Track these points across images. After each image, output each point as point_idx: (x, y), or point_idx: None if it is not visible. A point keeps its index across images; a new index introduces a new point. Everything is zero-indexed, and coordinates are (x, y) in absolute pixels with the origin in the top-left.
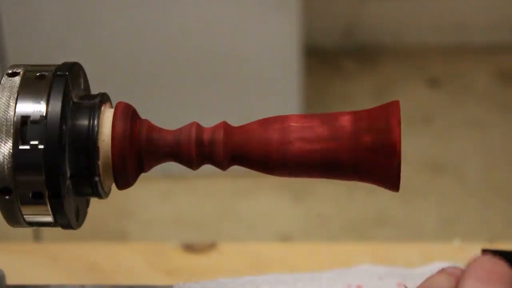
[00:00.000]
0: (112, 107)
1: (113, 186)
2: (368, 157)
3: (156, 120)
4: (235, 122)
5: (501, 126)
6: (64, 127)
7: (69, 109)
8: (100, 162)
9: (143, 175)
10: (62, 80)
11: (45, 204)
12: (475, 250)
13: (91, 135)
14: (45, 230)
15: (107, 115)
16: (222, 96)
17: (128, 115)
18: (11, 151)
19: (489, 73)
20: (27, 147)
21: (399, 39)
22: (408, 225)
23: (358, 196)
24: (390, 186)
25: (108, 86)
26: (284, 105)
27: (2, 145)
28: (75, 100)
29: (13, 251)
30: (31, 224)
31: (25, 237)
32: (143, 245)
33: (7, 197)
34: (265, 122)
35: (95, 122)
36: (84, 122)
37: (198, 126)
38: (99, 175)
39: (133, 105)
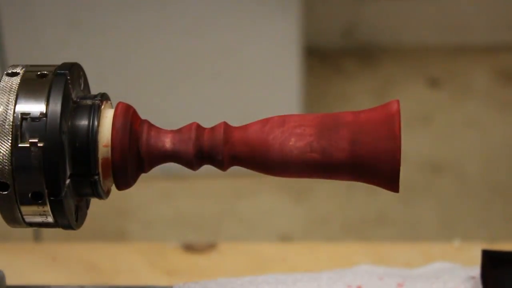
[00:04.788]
0: (112, 107)
1: (113, 186)
2: (368, 161)
3: (156, 120)
4: (235, 122)
5: (501, 126)
6: (64, 125)
7: (69, 109)
8: (100, 163)
9: (143, 175)
10: (62, 79)
11: (45, 204)
12: (475, 250)
13: (91, 135)
14: (45, 230)
15: (107, 115)
16: (222, 96)
17: (128, 116)
18: (10, 149)
19: (489, 73)
20: (27, 145)
21: (399, 39)
22: (408, 225)
23: (358, 196)
24: (390, 188)
25: (108, 86)
26: (284, 105)
27: (1, 143)
28: (75, 99)
29: (13, 251)
30: (31, 224)
31: (25, 237)
32: (143, 245)
33: (4, 192)
34: (265, 123)
35: (95, 122)
36: (84, 122)
37: (198, 127)
38: (98, 176)
39: (133, 105)
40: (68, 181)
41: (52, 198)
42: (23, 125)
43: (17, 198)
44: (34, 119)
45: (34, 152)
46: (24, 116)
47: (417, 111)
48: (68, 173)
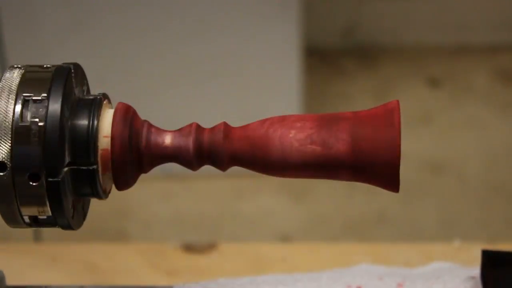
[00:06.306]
0: (111, 108)
1: (113, 186)
2: (368, 162)
3: (156, 120)
4: (235, 122)
5: (501, 126)
6: (65, 111)
7: (70, 98)
8: (99, 163)
9: (143, 175)
10: (62, 80)
11: (44, 204)
12: (475, 250)
13: (91, 136)
14: (45, 230)
15: (107, 116)
16: (222, 96)
17: (127, 116)
18: (10, 127)
19: (489, 73)
20: (27, 123)
21: (399, 39)
22: (408, 225)
23: (358, 196)
24: (389, 188)
25: (108, 86)
26: (284, 105)
27: (2, 122)
28: (74, 100)
29: (13, 252)
30: (31, 224)
31: (25, 238)
32: (143, 245)
33: (2, 173)
34: (265, 124)
35: (95, 122)
36: (84, 122)
37: (198, 127)
38: (98, 176)
39: (133, 105)
40: (68, 182)
41: (52, 198)
42: (23, 125)
43: (17, 199)
44: (36, 100)
45: (34, 131)
46: (26, 98)
47: (417, 111)
48: (68, 173)
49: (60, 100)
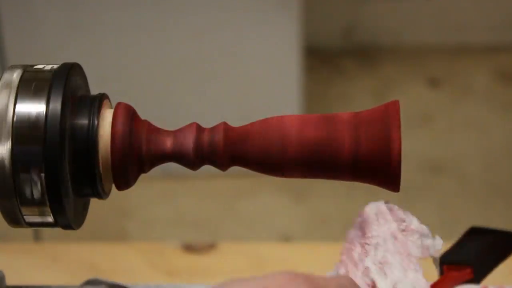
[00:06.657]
0: (111, 108)
1: (113, 185)
2: (368, 162)
3: (156, 120)
4: (235, 122)
5: (501, 126)
6: (64, 126)
7: (69, 109)
8: (100, 163)
9: (143, 175)
10: (62, 78)
11: (45, 204)
12: None
13: (91, 136)
14: (45, 230)
15: (107, 115)
16: (222, 96)
17: (128, 116)
18: (10, 149)
19: (489, 73)
20: (26, 145)
21: (399, 39)
22: None
23: (358, 196)
24: (390, 188)
25: (108, 86)
26: (284, 105)
27: (1, 144)
28: (75, 99)
29: (13, 251)
30: (31, 224)
31: (25, 237)
32: (143, 245)
33: (5, 193)
34: (265, 123)
35: (95, 122)
36: (84, 122)
37: (198, 127)
38: (99, 176)
39: (133, 105)
40: (68, 182)
41: (52, 198)
42: (23, 125)
43: (18, 198)
44: (34, 119)
45: (34, 130)
46: (24, 116)
47: (417, 111)
48: (68, 173)
49: (60, 100)
